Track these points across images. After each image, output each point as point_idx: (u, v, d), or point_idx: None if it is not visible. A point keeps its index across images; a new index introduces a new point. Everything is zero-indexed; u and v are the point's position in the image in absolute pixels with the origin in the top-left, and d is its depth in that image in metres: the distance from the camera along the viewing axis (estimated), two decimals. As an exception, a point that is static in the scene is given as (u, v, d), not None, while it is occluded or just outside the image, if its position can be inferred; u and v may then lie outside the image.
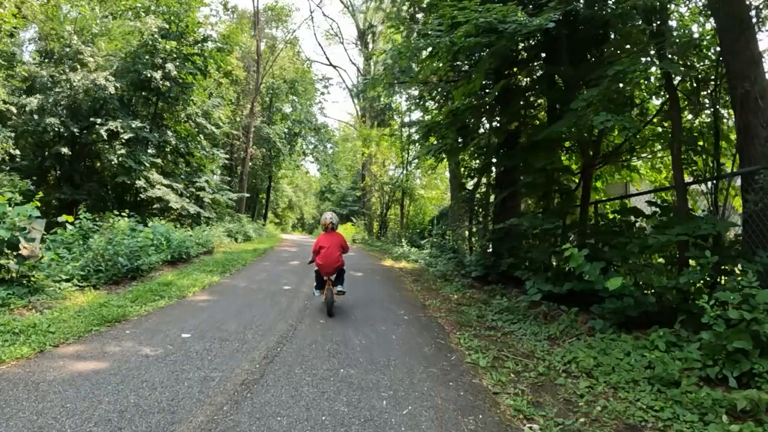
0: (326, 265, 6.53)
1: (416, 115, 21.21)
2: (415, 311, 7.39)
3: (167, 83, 16.61)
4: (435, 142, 12.19)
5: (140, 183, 15.77)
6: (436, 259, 14.20)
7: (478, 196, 13.17)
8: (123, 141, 15.49)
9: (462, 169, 14.34)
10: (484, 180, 13.06)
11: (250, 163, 32.26)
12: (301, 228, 63.87)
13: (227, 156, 26.19)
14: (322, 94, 33.66)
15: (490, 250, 10.59)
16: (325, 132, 32.15)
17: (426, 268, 13.06)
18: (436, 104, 17.67)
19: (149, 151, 17.25)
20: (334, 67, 40.13)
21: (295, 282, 9.71)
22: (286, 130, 29.59)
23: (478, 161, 12.76)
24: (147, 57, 16.66)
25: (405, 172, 23.20)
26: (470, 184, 14.08)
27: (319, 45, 60.44)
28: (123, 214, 11.43)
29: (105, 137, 15.17)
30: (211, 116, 20.32)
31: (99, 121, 15.35)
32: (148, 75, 16.28)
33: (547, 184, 8.31)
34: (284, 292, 8.48)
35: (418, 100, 14.40)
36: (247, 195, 22.54)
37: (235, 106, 28.00)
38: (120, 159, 15.31)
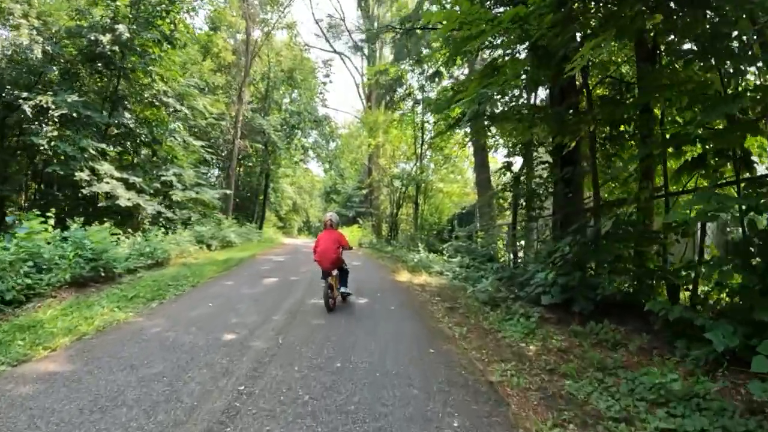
0: (322, 259, 6.40)
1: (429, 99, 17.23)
2: (480, 402, 3.34)
3: (117, 49, 12.76)
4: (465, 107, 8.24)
5: (82, 175, 11.92)
6: (468, 270, 10.18)
7: (529, 180, 9.16)
8: (55, 120, 11.64)
9: (501, 143, 10.38)
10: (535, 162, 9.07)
11: (241, 158, 28.47)
12: (308, 231, 60.06)
13: (213, 150, 22.40)
14: (324, 84, 29.54)
15: (556, 258, 6.51)
16: (327, 125, 28.24)
17: (458, 284, 9.02)
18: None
19: (100, 138, 13.39)
20: (337, 53, 36.34)
21: (254, 319, 5.74)
22: (282, 122, 25.66)
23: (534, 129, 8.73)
24: (99, 17, 12.90)
25: (419, 163, 19.16)
26: (497, 169, 10.01)
27: (317, 23, 56.03)
28: (49, 214, 7.64)
29: (30, 114, 11.32)
30: (186, 99, 16.49)
31: (24, 95, 11.52)
32: (93, 38, 12.46)
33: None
34: (221, 348, 4.48)
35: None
36: (228, 192, 18.65)
37: (227, 97, 24.23)
38: (51, 143, 11.47)
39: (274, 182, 32.18)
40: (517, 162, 10.14)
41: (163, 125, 15.68)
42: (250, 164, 29.82)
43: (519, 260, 10.04)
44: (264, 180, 28.29)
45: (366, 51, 26.12)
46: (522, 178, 9.50)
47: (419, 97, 17.44)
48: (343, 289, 6.65)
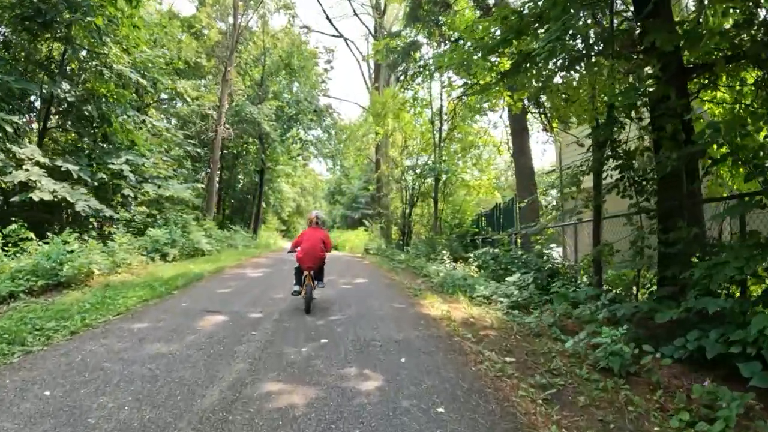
0: (306, 257, 6.04)
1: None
2: None
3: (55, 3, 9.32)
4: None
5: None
6: (525, 291, 6.55)
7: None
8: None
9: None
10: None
11: (236, 154, 25.02)
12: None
13: (197, 143, 18.92)
14: (326, 71, 26.02)
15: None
16: (328, 116, 24.63)
17: (530, 323, 5.34)
18: None
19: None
20: (342, 36, 32.46)
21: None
22: (277, 112, 22.10)
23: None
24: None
25: (437, 150, 15.52)
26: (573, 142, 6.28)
27: (319, 2, 52.07)
28: None
29: None
30: (152, 72, 13.03)
31: None
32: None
33: None
34: None
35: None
36: (200, 185, 15.06)
37: (216, 83, 20.80)
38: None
39: (273, 180, 28.67)
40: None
41: (120, 102, 12.19)
42: (245, 162, 26.34)
43: (602, 278, 6.38)
44: (259, 177, 24.72)
45: (372, 27, 22.58)
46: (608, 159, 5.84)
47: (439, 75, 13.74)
48: (319, 284, 6.33)
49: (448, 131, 16.56)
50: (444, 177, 14.87)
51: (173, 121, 21.09)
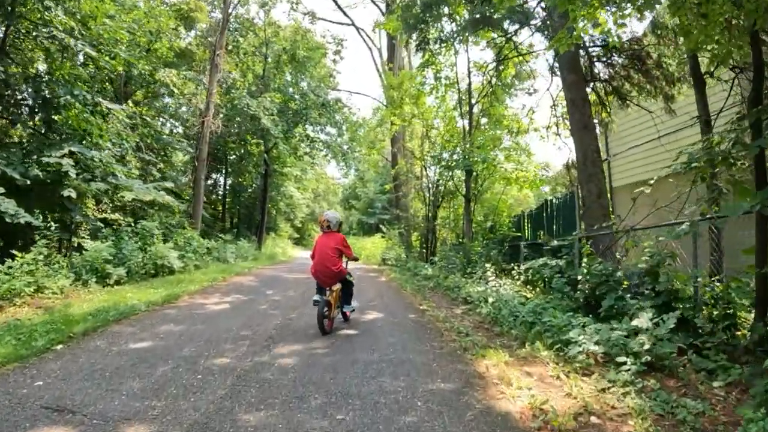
0: (318, 272, 5.08)
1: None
2: None
3: None
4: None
5: None
6: (662, 344, 3.48)
7: None
8: None
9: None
10: None
11: (239, 158, 22.48)
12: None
13: (186, 139, 16.36)
14: (334, 61, 23.39)
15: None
16: (338, 110, 21.81)
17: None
18: None
19: None
20: (354, 25, 29.23)
21: None
22: (279, 105, 19.39)
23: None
24: None
25: (469, 136, 12.48)
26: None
27: None
28: None
29: None
30: (110, 45, 10.46)
31: None
32: None
33: None
34: None
35: None
36: (168, 184, 12.28)
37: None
38: None
39: (280, 184, 26.05)
40: None
41: (75, 85, 9.57)
42: (248, 164, 23.76)
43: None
44: (262, 181, 22.08)
45: (384, 8, 19.75)
46: None
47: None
48: (346, 307, 5.33)
49: (480, 113, 13.54)
50: (480, 168, 11.79)
51: (170, 122, 18.69)
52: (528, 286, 9.12)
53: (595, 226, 7.01)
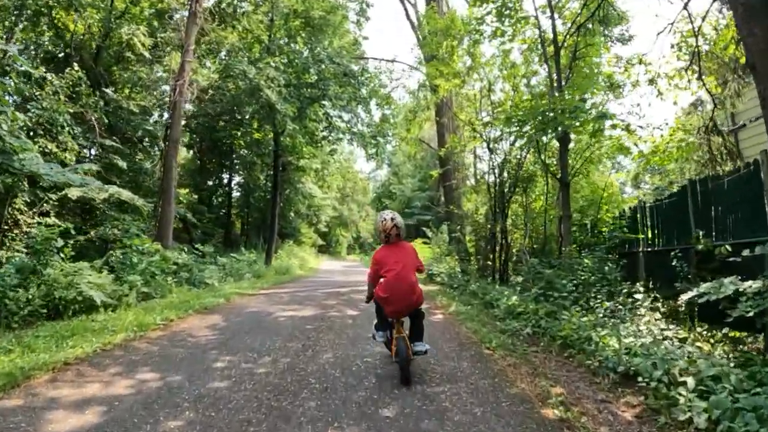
0: (397, 299, 3.85)
1: None
2: None
3: None
4: None
5: None
6: None
7: None
8: None
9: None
10: None
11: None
12: (359, 249, 50.39)
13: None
14: (358, 23, 19.81)
15: None
16: (365, 81, 18.06)
17: None
18: None
19: None
20: None
21: None
22: (284, 74, 15.81)
23: None
24: None
25: (562, 83, 8.34)
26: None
27: None
28: None
29: None
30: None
31: None
32: None
33: None
34: None
35: None
36: (93, 168, 8.78)
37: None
38: None
39: (296, 179, 22.64)
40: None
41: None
42: (254, 155, 20.49)
43: None
44: (272, 175, 18.67)
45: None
46: None
47: None
48: (419, 346, 3.97)
49: (570, 58, 9.36)
50: (589, 126, 7.62)
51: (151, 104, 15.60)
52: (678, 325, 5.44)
53: None
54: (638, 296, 5.79)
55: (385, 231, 3.96)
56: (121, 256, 7.93)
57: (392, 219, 3.98)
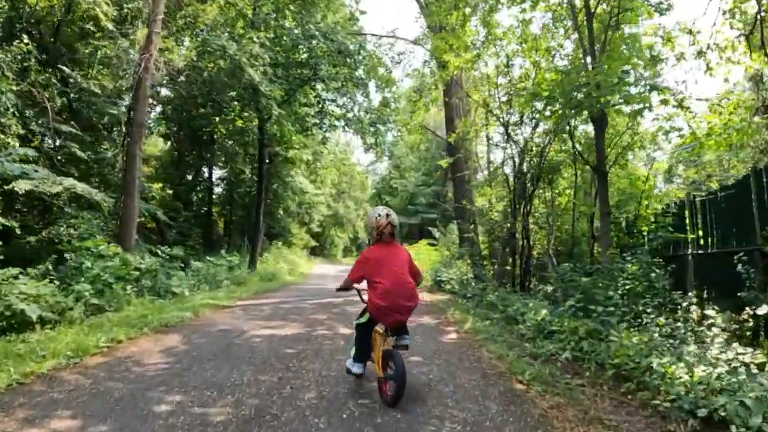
0: (398, 308, 3.67)
1: None
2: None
3: None
4: None
5: None
6: None
7: None
8: None
9: None
10: None
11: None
12: (357, 252, 49.62)
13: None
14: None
15: None
16: (363, 59, 17.19)
17: None
18: None
19: None
20: None
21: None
22: (270, 51, 14.96)
23: None
24: None
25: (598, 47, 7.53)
26: None
27: None
28: None
29: None
30: None
31: None
32: None
33: None
34: None
35: None
36: (72, 175, 7.98)
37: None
38: None
39: (284, 171, 21.82)
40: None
41: None
42: (238, 145, 19.69)
43: None
44: (257, 167, 17.88)
45: None
46: None
47: None
48: (406, 339, 3.80)
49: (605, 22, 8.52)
50: (637, 99, 6.78)
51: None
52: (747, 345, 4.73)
53: None
54: (693, 308, 5.00)
55: (379, 228, 3.82)
56: (72, 261, 7.11)
57: (387, 215, 3.90)
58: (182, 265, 11.24)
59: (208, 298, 8.91)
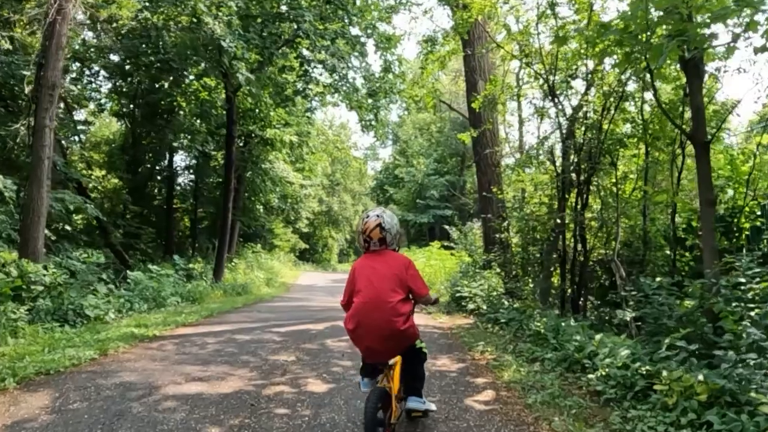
0: (368, 332, 3.40)
1: None
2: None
3: None
4: None
5: None
6: None
7: None
8: None
9: None
10: None
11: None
12: (355, 256, 48.38)
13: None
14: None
15: None
16: (359, 9, 15.68)
17: None
18: None
19: None
20: None
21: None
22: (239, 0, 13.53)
23: None
24: None
25: None
26: None
27: None
28: None
29: None
30: None
31: None
32: None
33: None
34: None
35: None
36: None
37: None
38: None
39: (261, 157, 20.43)
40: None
41: None
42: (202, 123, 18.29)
43: None
44: (225, 149, 16.46)
45: None
46: None
47: None
48: (414, 403, 3.69)
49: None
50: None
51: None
52: None
53: None
54: None
55: (366, 232, 3.62)
56: None
57: (377, 217, 3.68)
58: (114, 276, 9.80)
59: (135, 324, 7.41)
